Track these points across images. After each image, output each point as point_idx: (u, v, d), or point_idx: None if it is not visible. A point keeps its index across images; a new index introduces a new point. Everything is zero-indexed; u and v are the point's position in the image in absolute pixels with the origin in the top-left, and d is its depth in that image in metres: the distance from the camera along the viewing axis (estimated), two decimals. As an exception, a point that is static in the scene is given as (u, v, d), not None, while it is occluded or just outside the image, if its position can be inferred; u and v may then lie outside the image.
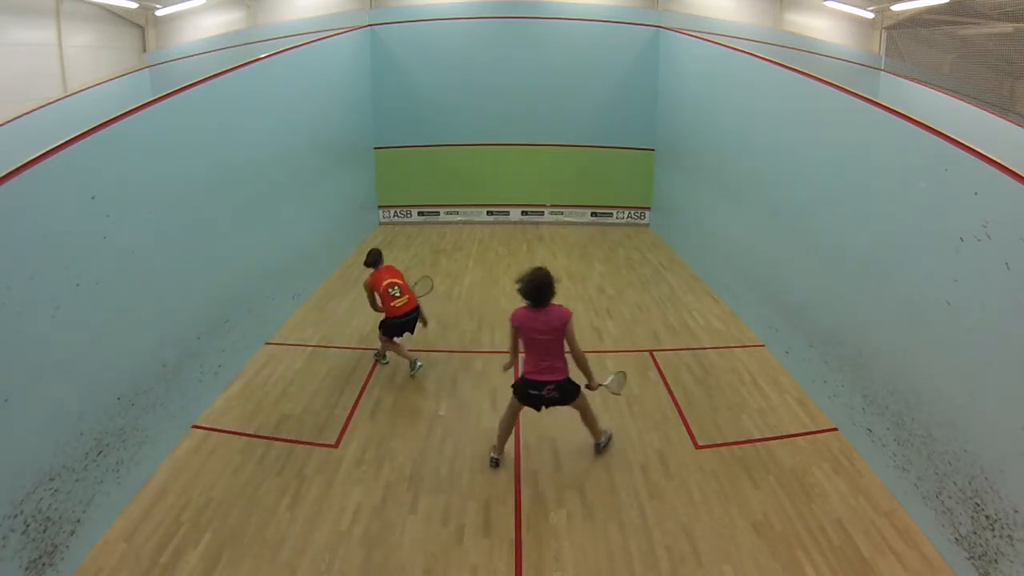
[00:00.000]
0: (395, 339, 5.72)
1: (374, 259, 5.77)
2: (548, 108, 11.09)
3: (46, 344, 3.31)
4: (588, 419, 4.45)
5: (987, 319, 3.34)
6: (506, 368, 4.33)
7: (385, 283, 5.58)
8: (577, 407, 4.33)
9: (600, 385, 4.29)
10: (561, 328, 3.97)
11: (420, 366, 5.79)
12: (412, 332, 5.78)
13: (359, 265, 9.19)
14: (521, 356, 4.20)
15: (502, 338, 6.58)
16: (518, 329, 4.05)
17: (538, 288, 3.97)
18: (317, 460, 4.50)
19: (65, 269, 3.47)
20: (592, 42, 10.87)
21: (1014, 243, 3.16)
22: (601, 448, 4.57)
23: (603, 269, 9.01)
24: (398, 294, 5.59)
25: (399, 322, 5.62)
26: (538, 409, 4.22)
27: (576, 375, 4.19)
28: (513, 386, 4.26)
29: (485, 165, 11.40)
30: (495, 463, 4.43)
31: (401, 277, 5.75)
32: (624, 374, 4.70)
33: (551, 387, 4.07)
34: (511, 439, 4.68)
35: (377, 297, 5.63)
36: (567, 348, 4.07)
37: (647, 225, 11.58)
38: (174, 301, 4.67)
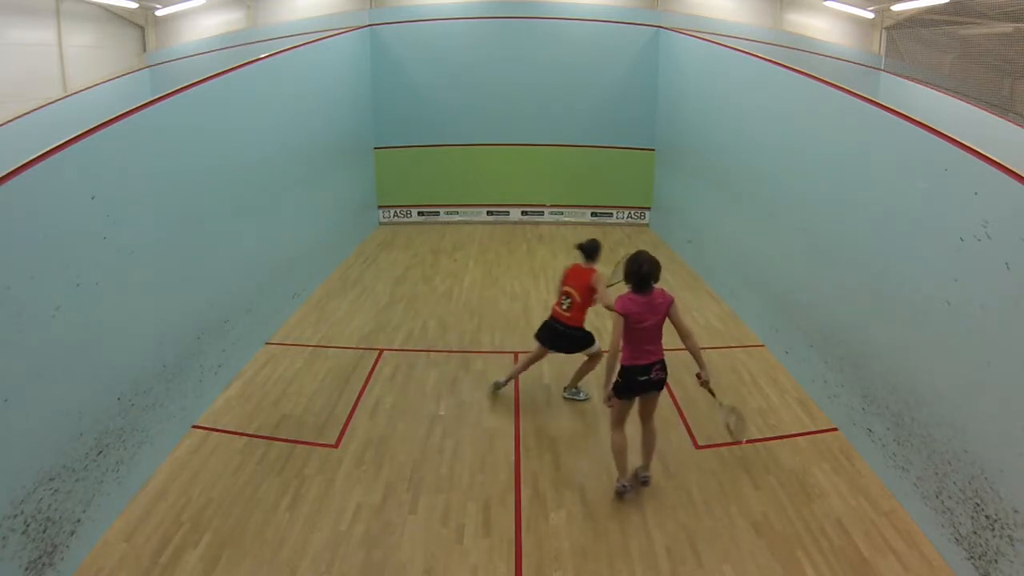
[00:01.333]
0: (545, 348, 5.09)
1: (589, 250, 4.99)
2: (548, 108, 11.10)
3: (46, 344, 3.30)
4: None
5: (987, 319, 3.34)
6: (608, 385, 3.80)
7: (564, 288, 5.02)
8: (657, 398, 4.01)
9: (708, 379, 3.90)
10: (665, 312, 3.76)
11: (583, 397, 5.22)
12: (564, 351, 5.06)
13: (359, 265, 9.26)
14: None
15: (502, 338, 6.59)
16: (626, 318, 3.69)
17: (648, 275, 3.69)
18: (317, 460, 4.50)
19: (65, 269, 3.46)
20: (592, 42, 10.87)
21: (1014, 243, 3.16)
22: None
23: (603, 269, 8.99)
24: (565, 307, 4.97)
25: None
26: (633, 396, 3.90)
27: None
28: (615, 387, 3.80)
29: (485, 165, 11.41)
30: (623, 491, 4.01)
31: (579, 285, 4.87)
32: (737, 413, 4.11)
33: (658, 367, 3.81)
34: (511, 439, 4.70)
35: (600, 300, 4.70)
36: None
37: (647, 225, 11.58)
38: (174, 301, 4.67)
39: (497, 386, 5.36)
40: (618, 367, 3.77)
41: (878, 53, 11.64)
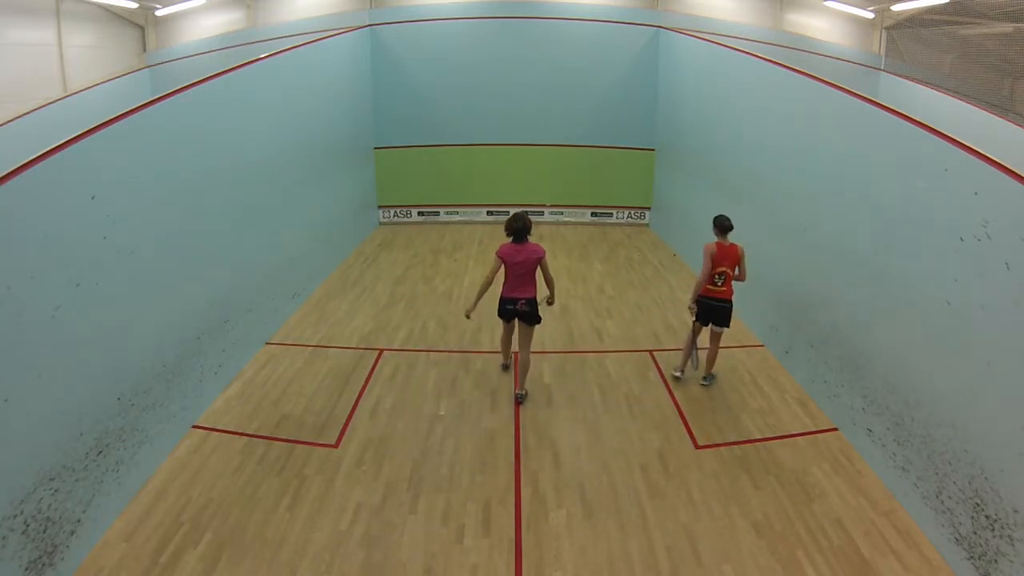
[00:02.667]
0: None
1: (725, 227, 5.29)
2: (548, 108, 11.09)
3: (46, 344, 3.30)
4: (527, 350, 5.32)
5: (987, 319, 3.34)
6: (469, 313, 5.20)
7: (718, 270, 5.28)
8: (530, 337, 5.28)
9: (554, 302, 5.44)
10: (536, 261, 5.04)
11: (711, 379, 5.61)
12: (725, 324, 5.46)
13: (359, 265, 9.26)
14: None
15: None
16: (502, 260, 5.03)
17: (520, 229, 5.03)
18: (317, 460, 4.50)
19: (65, 269, 3.46)
20: (592, 42, 10.87)
21: (1014, 243, 3.16)
22: (522, 392, 5.30)
23: (603, 269, 9.01)
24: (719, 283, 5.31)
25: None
26: (509, 321, 5.33)
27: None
28: (499, 311, 5.27)
29: (485, 165, 11.41)
30: (505, 367, 5.76)
31: (731, 261, 5.27)
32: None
33: (523, 302, 5.08)
34: (511, 439, 4.74)
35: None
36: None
37: (647, 225, 11.58)
38: (174, 301, 4.67)
39: (676, 379, 5.65)
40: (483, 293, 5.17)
41: (878, 53, 11.64)
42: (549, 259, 5.20)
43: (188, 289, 4.88)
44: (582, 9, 10.81)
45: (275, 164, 6.72)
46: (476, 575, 3.50)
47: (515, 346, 5.51)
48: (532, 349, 5.41)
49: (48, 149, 3.41)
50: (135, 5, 10.84)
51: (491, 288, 5.16)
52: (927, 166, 3.92)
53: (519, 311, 5.12)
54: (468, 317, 5.21)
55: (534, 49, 10.85)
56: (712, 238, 5.32)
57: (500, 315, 5.28)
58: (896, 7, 10.71)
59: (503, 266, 5.06)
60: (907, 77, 10.48)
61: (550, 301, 5.34)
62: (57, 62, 9.87)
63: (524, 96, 11.00)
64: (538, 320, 5.20)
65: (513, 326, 5.38)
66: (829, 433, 4.86)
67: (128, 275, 4.06)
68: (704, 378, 5.60)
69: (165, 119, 4.62)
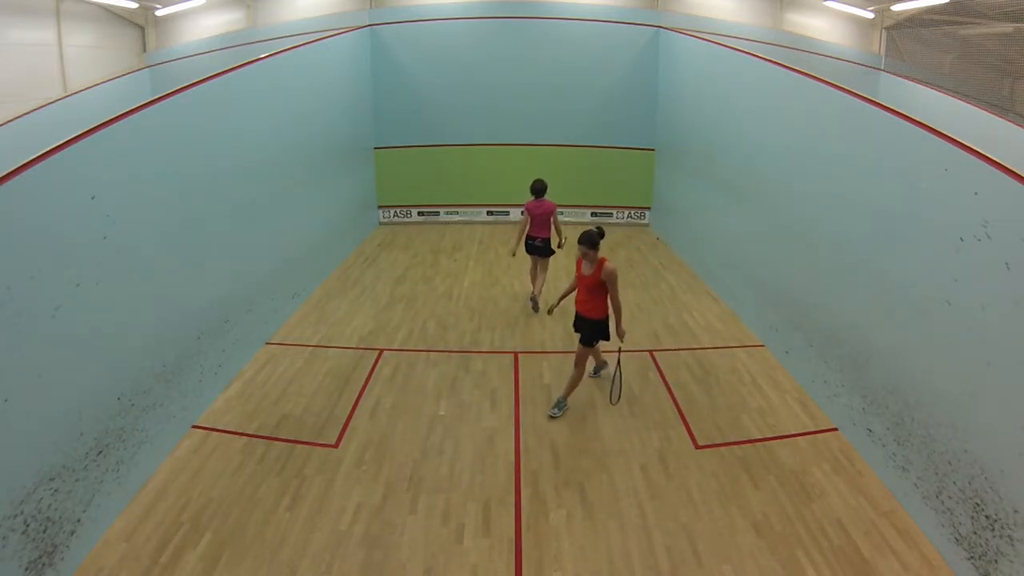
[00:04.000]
0: None
1: None
2: (548, 108, 11.09)
3: (46, 344, 3.30)
4: (540, 279, 7.23)
5: (987, 319, 3.34)
6: (514, 251, 7.22)
7: None
8: (545, 267, 7.26)
9: (563, 244, 7.12)
10: (549, 212, 6.97)
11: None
12: None
13: (359, 265, 9.26)
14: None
15: (502, 338, 6.61)
16: (527, 210, 7.01)
17: (539, 189, 7.02)
18: (317, 460, 4.50)
19: (65, 269, 3.47)
20: (592, 42, 10.86)
21: (1014, 243, 3.16)
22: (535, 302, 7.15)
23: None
24: None
25: None
26: (532, 254, 7.21)
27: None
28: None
29: (485, 165, 11.40)
30: (533, 301, 7.21)
31: None
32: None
33: (539, 240, 7.05)
34: (511, 439, 4.75)
35: None
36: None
37: (647, 225, 11.58)
38: (174, 301, 4.67)
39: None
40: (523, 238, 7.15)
41: (878, 53, 11.63)
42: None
43: (188, 289, 4.88)
44: (582, 9, 10.80)
45: (275, 164, 6.72)
46: (476, 575, 3.50)
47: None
48: (531, 348, 5.93)
49: (48, 149, 3.41)
50: (135, 5, 10.84)
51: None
52: (927, 166, 3.91)
53: (537, 246, 7.09)
54: (513, 255, 7.24)
55: (534, 49, 10.84)
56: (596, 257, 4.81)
57: (526, 251, 7.23)
58: (896, 7, 10.71)
59: (528, 214, 6.99)
60: (907, 77, 10.48)
61: (560, 244, 7.08)
62: (57, 62, 9.87)
63: (524, 96, 11.00)
64: (551, 253, 7.14)
65: (536, 260, 7.27)
66: (829, 433, 4.86)
67: (128, 275, 4.06)
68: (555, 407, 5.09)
69: (165, 119, 4.62)
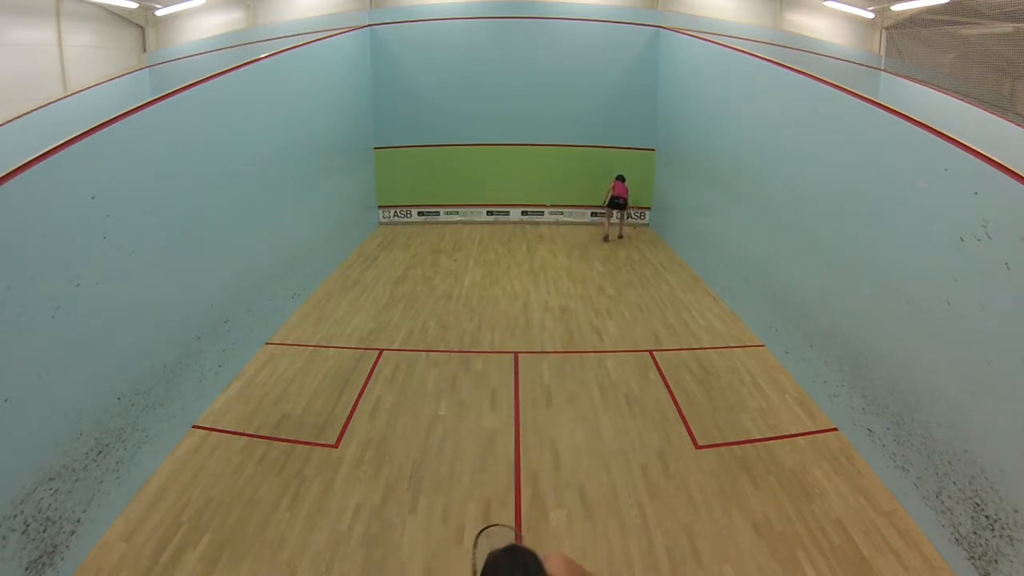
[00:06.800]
0: None
1: None
2: (548, 108, 11.10)
3: (46, 344, 3.31)
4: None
5: (987, 319, 3.34)
6: (605, 200, 10.49)
7: None
8: (623, 213, 10.71)
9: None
10: (625, 188, 10.27)
11: None
12: None
13: (359, 265, 9.26)
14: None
15: (502, 338, 6.61)
16: (612, 185, 10.32)
17: (622, 177, 10.30)
18: (317, 460, 4.50)
19: (65, 269, 3.47)
20: (592, 42, 10.87)
21: (1014, 243, 3.16)
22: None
23: (603, 269, 9.01)
24: None
25: None
26: (612, 207, 10.46)
27: None
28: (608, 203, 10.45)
29: (485, 165, 11.41)
30: (605, 239, 10.51)
31: None
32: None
33: (622, 199, 10.21)
34: (511, 439, 4.74)
35: None
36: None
37: (647, 225, 11.58)
38: (174, 301, 4.67)
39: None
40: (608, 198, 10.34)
41: (878, 53, 11.64)
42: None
43: (188, 289, 4.88)
44: (582, 9, 10.81)
45: (275, 164, 6.72)
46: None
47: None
48: (531, 348, 6.02)
49: (48, 149, 3.41)
50: (135, 5, 10.84)
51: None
52: (927, 166, 3.92)
53: (619, 203, 10.31)
54: (604, 203, 10.37)
55: (534, 49, 10.85)
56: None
57: (608, 206, 10.37)
58: (896, 7, 10.71)
59: (612, 185, 10.31)
60: (907, 77, 10.49)
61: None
62: (57, 62, 9.87)
63: (524, 96, 11.01)
64: (627, 206, 10.54)
65: (612, 212, 10.54)
66: (829, 433, 4.86)
67: (128, 275, 4.06)
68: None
69: (165, 119, 4.62)
